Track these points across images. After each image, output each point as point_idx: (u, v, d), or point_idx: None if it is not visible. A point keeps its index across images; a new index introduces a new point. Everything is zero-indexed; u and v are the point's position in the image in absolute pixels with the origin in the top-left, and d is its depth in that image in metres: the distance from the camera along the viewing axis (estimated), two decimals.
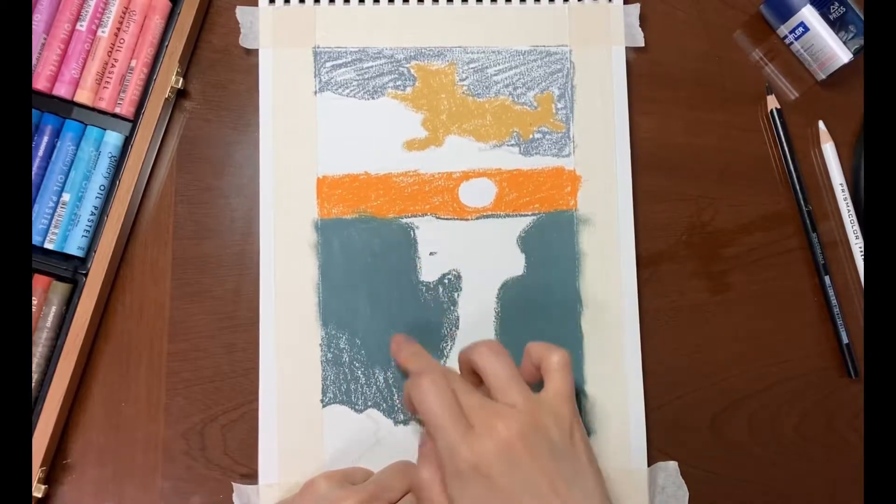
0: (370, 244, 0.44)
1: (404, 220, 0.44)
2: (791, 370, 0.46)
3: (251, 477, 0.42)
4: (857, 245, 0.47)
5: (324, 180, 0.44)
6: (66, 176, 0.42)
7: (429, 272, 0.44)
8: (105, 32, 0.43)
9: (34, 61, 0.42)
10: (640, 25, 0.46)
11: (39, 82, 0.42)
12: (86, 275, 0.41)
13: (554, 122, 0.45)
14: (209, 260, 0.44)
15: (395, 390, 0.43)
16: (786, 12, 0.47)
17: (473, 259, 0.44)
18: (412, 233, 0.44)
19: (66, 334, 0.40)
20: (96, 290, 0.41)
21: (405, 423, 0.43)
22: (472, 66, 0.46)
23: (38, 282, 0.41)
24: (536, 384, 0.35)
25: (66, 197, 0.42)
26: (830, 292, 0.46)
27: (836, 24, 0.46)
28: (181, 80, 0.43)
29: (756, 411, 0.45)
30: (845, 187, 0.47)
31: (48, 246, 0.41)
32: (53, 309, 0.40)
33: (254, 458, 0.42)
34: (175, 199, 0.44)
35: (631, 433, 0.43)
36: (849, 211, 0.47)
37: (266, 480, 0.41)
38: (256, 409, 0.42)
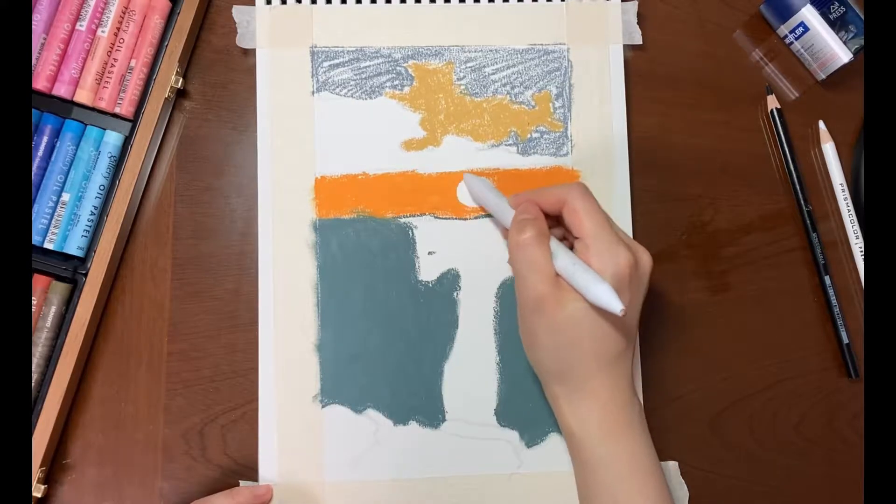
0: (369, 244, 0.44)
1: (403, 220, 0.44)
2: (791, 370, 0.46)
3: (251, 477, 0.42)
4: (857, 245, 0.47)
5: (322, 180, 0.44)
6: (66, 176, 0.42)
7: (427, 272, 0.44)
8: (105, 32, 0.43)
9: (34, 61, 0.42)
10: (640, 25, 0.46)
11: (39, 82, 0.42)
12: (85, 275, 0.41)
13: (552, 121, 0.45)
14: (209, 260, 0.44)
15: (393, 390, 0.43)
16: (786, 12, 0.47)
17: (472, 258, 0.44)
18: (411, 232, 0.44)
19: (66, 334, 0.40)
20: (96, 290, 0.41)
21: (404, 423, 0.43)
22: (469, 65, 0.45)
23: (38, 282, 0.41)
24: None
25: (65, 197, 0.42)
26: (830, 292, 0.46)
27: (836, 24, 0.46)
28: (181, 80, 0.43)
29: (756, 411, 0.45)
30: (845, 187, 0.47)
31: (48, 246, 0.41)
32: (53, 309, 0.41)
33: (254, 458, 0.42)
34: (175, 199, 0.44)
35: None
36: (849, 211, 0.47)
37: (266, 480, 0.41)
38: (256, 409, 0.42)
